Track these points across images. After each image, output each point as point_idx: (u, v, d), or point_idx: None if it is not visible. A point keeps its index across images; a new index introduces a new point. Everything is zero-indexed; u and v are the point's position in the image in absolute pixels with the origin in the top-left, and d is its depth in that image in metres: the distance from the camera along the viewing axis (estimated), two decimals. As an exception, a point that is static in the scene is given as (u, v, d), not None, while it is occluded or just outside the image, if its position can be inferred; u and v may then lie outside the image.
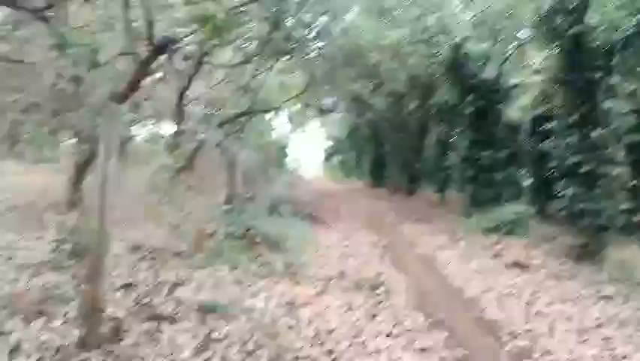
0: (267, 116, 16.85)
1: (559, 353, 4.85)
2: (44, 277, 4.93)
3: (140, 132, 21.59)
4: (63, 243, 5.43)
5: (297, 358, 4.31)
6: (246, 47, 12.69)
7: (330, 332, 5.12)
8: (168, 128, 17.06)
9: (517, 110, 14.21)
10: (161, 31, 9.35)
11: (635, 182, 8.98)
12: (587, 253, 8.65)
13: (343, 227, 13.05)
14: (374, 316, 5.78)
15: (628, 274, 7.61)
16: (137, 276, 5.42)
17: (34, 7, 5.46)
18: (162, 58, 10.95)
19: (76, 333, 3.63)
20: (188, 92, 12.00)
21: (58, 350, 3.47)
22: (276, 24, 10.20)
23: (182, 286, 5.33)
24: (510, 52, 13.96)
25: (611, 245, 8.80)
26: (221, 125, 12.91)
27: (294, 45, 11.68)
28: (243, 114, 13.60)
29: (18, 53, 9.86)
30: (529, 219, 11.81)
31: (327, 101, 26.75)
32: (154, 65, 12.08)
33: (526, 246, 10.11)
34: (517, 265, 8.58)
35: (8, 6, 5.67)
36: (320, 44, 13.17)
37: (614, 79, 8.62)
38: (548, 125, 9.86)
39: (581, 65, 8.81)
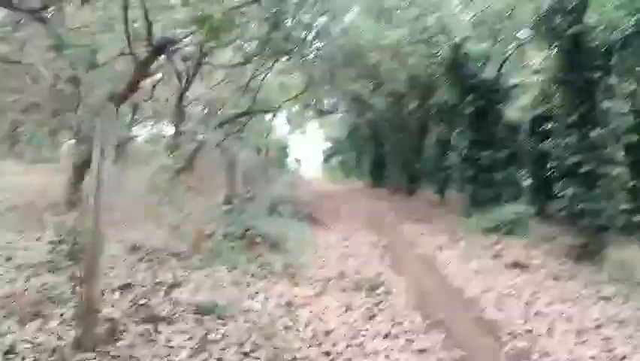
0: (267, 116, 16.84)
1: (558, 354, 4.83)
2: (42, 278, 4.91)
3: (141, 133, 21.66)
4: (60, 244, 5.42)
5: (294, 359, 4.29)
6: (245, 48, 12.71)
7: (329, 332, 5.10)
8: (168, 128, 17.10)
9: (516, 110, 14.20)
10: (160, 32, 9.37)
11: (634, 182, 8.95)
12: (587, 253, 8.63)
13: (343, 227, 13.04)
14: (373, 316, 5.77)
15: (628, 274, 7.59)
16: (135, 277, 5.40)
17: (30, 8, 5.44)
18: (162, 59, 11.00)
19: (72, 334, 3.61)
20: (188, 93, 12.02)
21: (53, 351, 3.45)
22: (276, 25, 10.21)
23: (180, 287, 5.32)
24: (510, 52, 13.94)
25: (611, 245, 8.79)
26: (220, 125, 12.92)
27: (293, 45, 11.69)
28: (242, 115, 13.60)
29: (17, 54, 9.87)
30: (529, 219, 11.79)
31: (327, 102, 26.79)
32: (154, 66, 12.13)
33: (526, 246, 10.09)
34: (517, 265, 8.56)
35: (4, 6, 5.65)
36: (319, 45, 13.18)
37: (613, 79, 8.60)
38: (548, 126, 9.85)
39: (580, 65, 8.79)
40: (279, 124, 26.07)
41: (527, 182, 14.76)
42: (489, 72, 13.51)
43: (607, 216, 8.57)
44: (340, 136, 38.37)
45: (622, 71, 8.87)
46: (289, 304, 5.83)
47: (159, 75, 13.88)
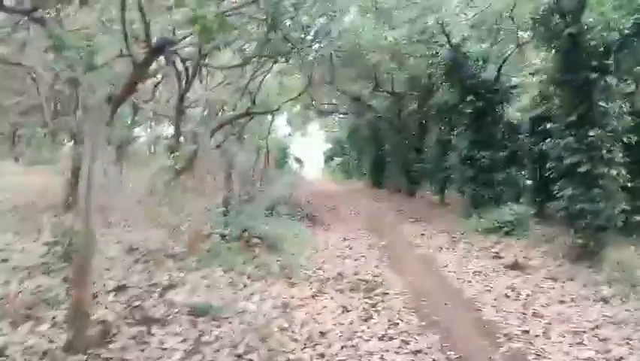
0: (268, 117, 16.83)
1: (554, 355, 4.81)
2: (36, 280, 4.91)
3: (142, 134, 21.70)
4: (55, 245, 5.41)
5: (288, 361, 4.29)
6: (244, 49, 12.71)
7: (324, 334, 5.09)
8: (168, 130, 17.13)
9: (516, 110, 14.16)
10: (158, 33, 9.38)
11: (633, 182, 8.91)
12: (586, 253, 8.59)
13: (343, 228, 13.03)
14: (369, 318, 5.76)
15: (626, 275, 7.54)
16: (131, 278, 5.39)
17: (23, 9, 5.44)
18: (161, 60, 11.02)
19: (64, 337, 3.60)
20: (188, 94, 12.02)
21: (44, 354, 3.44)
22: (274, 26, 10.18)
23: (176, 289, 5.30)
24: (509, 52, 13.90)
25: (610, 246, 8.75)
26: (220, 126, 12.92)
27: (292, 47, 11.67)
28: (242, 116, 13.59)
29: (17, 55, 9.89)
30: (528, 219, 11.75)
31: (327, 103, 26.80)
32: (154, 68, 12.16)
33: (525, 247, 10.07)
34: (516, 266, 8.53)
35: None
36: (319, 45, 13.15)
37: (611, 79, 8.56)
38: (547, 126, 9.82)
39: (578, 66, 8.75)
40: (280, 125, 26.10)
41: (527, 182, 14.70)
42: (489, 72, 13.47)
43: (606, 217, 8.53)
44: (341, 137, 38.39)
45: (620, 72, 8.83)
46: (285, 305, 5.82)
47: (160, 76, 13.94)
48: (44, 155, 15.96)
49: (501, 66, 13.33)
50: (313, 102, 23.82)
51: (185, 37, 9.64)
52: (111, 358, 3.57)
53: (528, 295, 6.90)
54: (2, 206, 10.13)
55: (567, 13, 8.84)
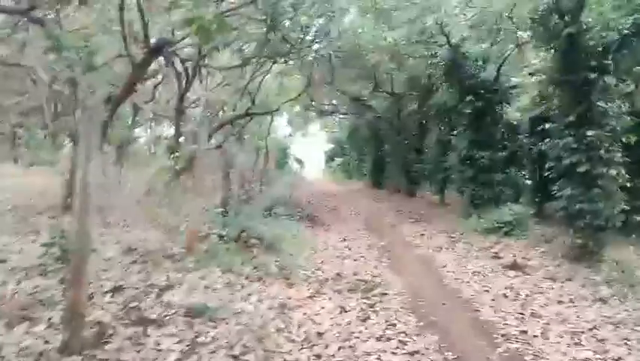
0: (267, 118, 16.84)
1: (551, 356, 4.80)
2: (33, 281, 4.90)
3: (142, 135, 21.72)
4: (52, 246, 5.41)
5: (283, 361, 4.28)
6: (243, 50, 12.72)
7: (321, 334, 5.08)
8: (169, 130, 17.14)
9: (516, 110, 14.14)
10: (157, 33, 9.39)
11: (632, 182, 8.90)
12: (585, 253, 8.58)
13: (342, 228, 13.02)
14: (367, 318, 5.75)
15: (625, 275, 7.54)
16: (128, 279, 5.38)
17: (19, 8, 5.44)
18: (161, 61, 11.03)
19: (59, 338, 3.60)
20: (188, 95, 12.04)
21: (40, 355, 3.44)
22: (273, 26, 10.19)
23: (173, 289, 5.30)
24: (509, 52, 13.89)
25: (609, 246, 8.74)
26: (220, 127, 12.93)
27: (291, 47, 11.67)
28: (241, 116, 13.61)
29: (16, 56, 9.91)
30: (528, 219, 11.74)
31: (328, 103, 26.80)
32: (155, 68, 12.16)
33: (524, 247, 10.06)
34: (515, 266, 8.52)
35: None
36: (318, 46, 13.16)
37: (610, 79, 8.54)
38: (546, 126, 9.81)
39: (577, 66, 8.74)
40: (280, 125, 26.11)
41: (527, 182, 14.69)
42: (488, 73, 13.46)
43: (605, 217, 8.52)
44: (341, 137, 38.41)
45: (619, 72, 8.82)
46: (283, 306, 5.81)
47: (160, 77, 13.96)
48: (44, 156, 15.96)
49: (500, 66, 13.33)
50: (313, 103, 23.82)
51: (184, 38, 9.64)
52: (107, 359, 3.56)
53: (527, 296, 6.90)
54: (1, 207, 10.13)
55: (566, 13, 8.82)
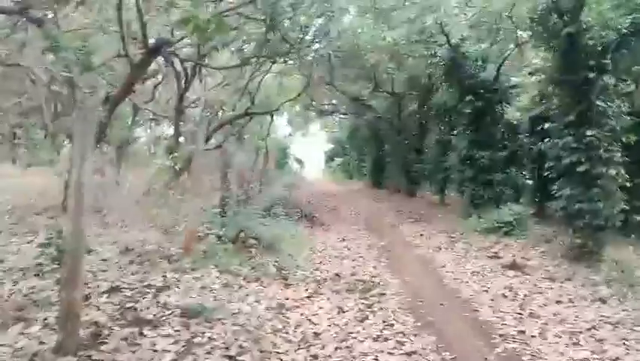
0: (267, 118, 16.80)
1: (549, 356, 4.78)
2: (29, 282, 4.89)
3: (142, 135, 21.69)
4: (48, 247, 5.40)
5: (280, 362, 4.27)
6: (243, 49, 12.69)
7: (318, 335, 5.07)
8: (169, 130, 17.11)
9: (516, 110, 14.12)
10: (155, 33, 9.37)
11: (632, 182, 8.87)
12: (585, 253, 8.57)
13: (342, 228, 13.02)
14: (365, 318, 5.73)
15: (625, 275, 7.53)
16: (125, 279, 5.37)
17: (13, 9, 5.42)
18: (161, 61, 11.00)
19: (54, 339, 3.58)
20: (187, 95, 12.02)
21: (34, 355, 3.42)
22: (272, 26, 10.16)
23: (170, 290, 5.28)
24: (508, 52, 13.87)
25: (609, 245, 8.72)
26: (220, 126, 12.91)
27: (290, 47, 11.64)
28: (241, 116, 13.58)
29: (15, 56, 9.89)
30: (528, 219, 11.73)
31: (328, 103, 26.77)
32: (154, 68, 12.13)
33: (524, 246, 10.05)
34: (514, 266, 8.51)
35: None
36: (317, 46, 13.13)
37: (609, 79, 8.52)
38: (546, 125, 9.79)
39: (577, 65, 8.72)
40: (280, 125, 26.07)
41: (527, 182, 14.67)
42: (488, 72, 13.44)
43: (604, 217, 8.50)
44: (341, 137, 38.39)
45: (618, 71, 8.79)
46: (280, 306, 5.80)
47: (160, 77, 13.95)
48: (42, 157, 15.94)
49: (500, 66, 13.31)
50: (313, 102, 23.79)
51: (183, 38, 9.62)
52: (102, 360, 3.55)
53: (525, 296, 6.88)
54: (0, 207, 10.13)
55: (565, 13, 8.81)
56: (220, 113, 14.80)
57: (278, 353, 4.41)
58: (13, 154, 19.52)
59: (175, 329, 4.30)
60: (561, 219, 9.44)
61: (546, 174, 9.89)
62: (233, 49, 12.39)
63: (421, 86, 19.64)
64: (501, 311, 6.18)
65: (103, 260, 6.04)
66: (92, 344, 3.75)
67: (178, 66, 10.94)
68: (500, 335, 5.33)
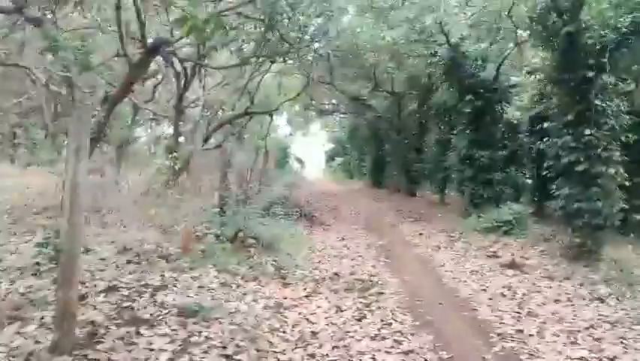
0: (267, 117, 16.81)
1: (547, 355, 4.78)
2: (26, 281, 4.88)
3: (143, 135, 21.69)
4: (46, 246, 5.39)
5: (277, 361, 4.26)
6: (242, 49, 12.69)
7: (316, 334, 5.07)
8: (169, 130, 17.11)
9: (515, 109, 14.11)
10: (154, 33, 9.37)
11: (631, 181, 8.86)
12: (583, 252, 8.56)
13: (342, 227, 13.02)
14: (363, 318, 5.73)
15: (623, 274, 7.53)
16: (122, 279, 5.36)
17: (9, 8, 5.43)
18: (160, 60, 11.00)
19: (50, 338, 3.58)
20: (187, 94, 12.02)
21: (30, 355, 3.41)
22: (271, 26, 10.16)
23: (167, 289, 5.27)
24: (508, 51, 13.85)
25: (607, 245, 8.72)
26: (220, 126, 12.91)
27: (289, 47, 11.64)
28: (240, 116, 13.59)
29: (15, 56, 9.90)
30: (527, 219, 11.72)
31: (328, 103, 26.77)
32: (154, 68, 12.12)
33: (523, 246, 10.04)
34: (513, 265, 8.51)
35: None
36: (317, 45, 13.12)
37: (608, 78, 8.51)
38: (545, 125, 9.78)
39: (576, 64, 8.71)
40: (281, 125, 26.09)
41: (527, 182, 14.66)
42: (487, 72, 13.42)
43: (603, 216, 8.50)
44: (342, 137, 38.40)
45: (617, 70, 8.78)
46: (278, 305, 5.80)
47: (160, 77, 13.95)
48: (41, 157, 15.96)
49: (500, 65, 13.29)
50: (313, 102, 23.80)
51: (182, 38, 9.63)
52: (98, 359, 3.54)
53: (524, 295, 6.88)
54: (1, 206, 10.12)
55: (565, 12, 8.80)
56: (220, 113, 14.81)
57: (275, 352, 4.40)
58: (12, 154, 19.55)
59: (172, 328, 4.29)
60: (560, 218, 9.44)
61: (545, 173, 9.88)
62: (232, 49, 12.38)
63: (420, 85, 19.63)
64: (499, 310, 6.19)
65: (101, 259, 6.02)
66: (88, 343, 3.74)
67: (177, 66, 10.95)
68: (498, 334, 5.33)
